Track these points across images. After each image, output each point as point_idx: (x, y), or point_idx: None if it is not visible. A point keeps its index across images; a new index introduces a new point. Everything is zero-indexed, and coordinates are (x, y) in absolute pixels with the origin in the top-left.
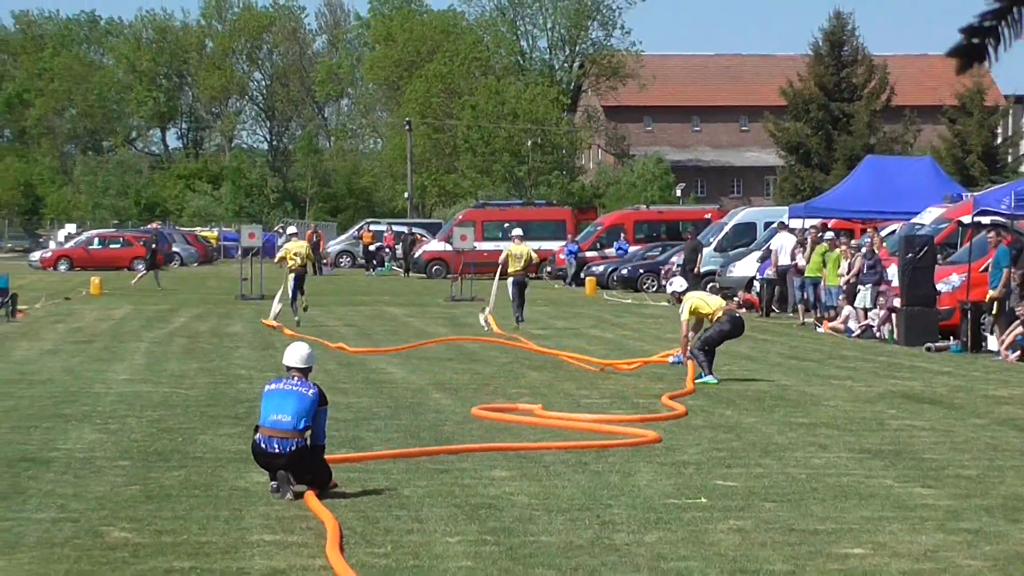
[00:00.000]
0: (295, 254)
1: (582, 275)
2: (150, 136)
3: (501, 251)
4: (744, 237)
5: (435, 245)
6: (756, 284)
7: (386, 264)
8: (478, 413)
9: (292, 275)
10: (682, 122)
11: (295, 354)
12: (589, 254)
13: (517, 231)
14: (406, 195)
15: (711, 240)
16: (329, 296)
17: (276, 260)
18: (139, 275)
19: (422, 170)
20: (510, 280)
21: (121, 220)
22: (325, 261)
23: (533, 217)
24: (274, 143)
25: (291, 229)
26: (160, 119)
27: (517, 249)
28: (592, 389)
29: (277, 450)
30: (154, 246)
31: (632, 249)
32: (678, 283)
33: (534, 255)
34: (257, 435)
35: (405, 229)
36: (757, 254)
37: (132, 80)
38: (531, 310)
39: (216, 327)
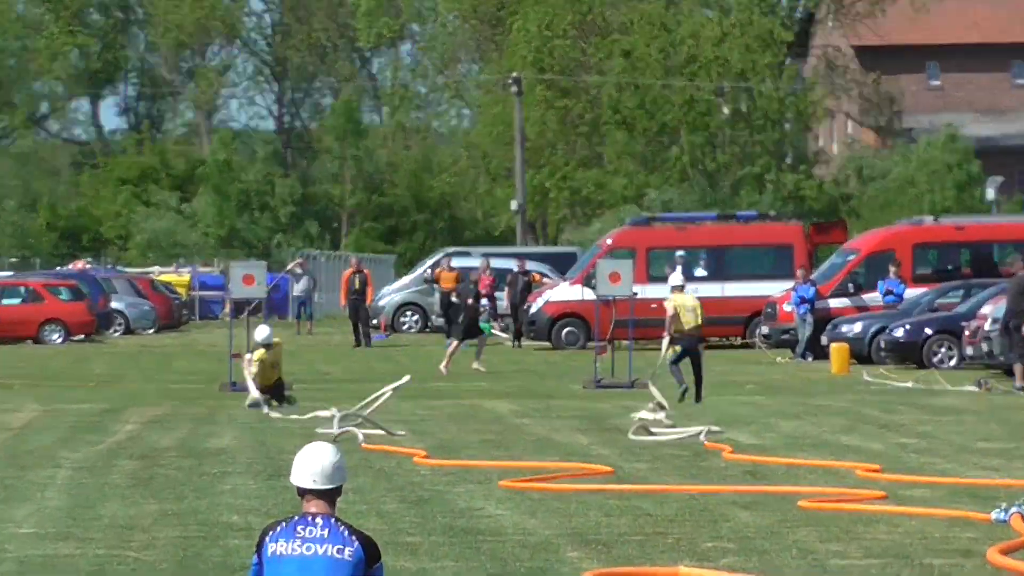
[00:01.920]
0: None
1: (824, 339)
2: (74, 111)
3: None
4: None
5: (565, 291)
6: None
7: (483, 325)
8: None
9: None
10: (995, 70)
11: (313, 465)
12: (834, 303)
13: (675, 275)
14: (514, 205)
15: None
16: (385, 380)
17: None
18: (450, 346)
19: (540, 162)
20: (675, 346)
21: (25, 256)
22: (375, 322)
23: (736, 241)
24: (286, 120)
25: (261, 333)
26: (91, 82)
27: (685, 299)
28: (848, 541)
29: None
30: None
31: (911, 292)
32: None
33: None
34: None
35: (514, 265)
36: None
37: (43, 17)
38: (740, 401)
39: (188, 440)
